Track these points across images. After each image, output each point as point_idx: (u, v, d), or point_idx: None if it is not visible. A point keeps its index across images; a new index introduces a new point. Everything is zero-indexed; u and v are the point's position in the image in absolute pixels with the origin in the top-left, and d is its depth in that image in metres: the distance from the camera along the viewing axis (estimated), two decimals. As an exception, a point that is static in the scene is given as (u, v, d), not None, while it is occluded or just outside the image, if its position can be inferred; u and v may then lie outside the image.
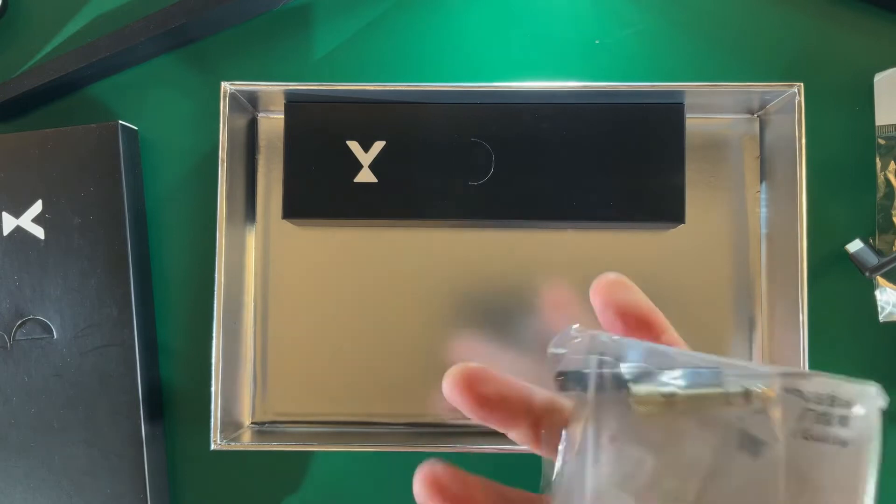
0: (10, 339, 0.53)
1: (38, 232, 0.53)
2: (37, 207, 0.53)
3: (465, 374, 0.26)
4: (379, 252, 0.54)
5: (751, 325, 0.53)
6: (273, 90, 0.51)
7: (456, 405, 0.26)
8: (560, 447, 0.25)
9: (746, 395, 0.24)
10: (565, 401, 0.27)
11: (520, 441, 0.27)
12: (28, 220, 0.53)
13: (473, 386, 0.26)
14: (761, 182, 0.54)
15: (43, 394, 0.53)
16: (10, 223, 0.53)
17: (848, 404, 0.23)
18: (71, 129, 0.53)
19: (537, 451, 0.27)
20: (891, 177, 0.53)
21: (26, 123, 0.58)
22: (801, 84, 0.49)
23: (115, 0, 0.57)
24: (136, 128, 0.56)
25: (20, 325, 0.53)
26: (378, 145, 0.51)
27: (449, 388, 0.26)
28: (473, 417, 0.27)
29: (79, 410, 0.52)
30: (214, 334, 0.50)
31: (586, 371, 0.25)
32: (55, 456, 0.52)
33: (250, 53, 0.56)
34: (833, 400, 0.23)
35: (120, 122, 0.54)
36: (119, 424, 0.52)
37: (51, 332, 0.53)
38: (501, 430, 0.27)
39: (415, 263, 0.54)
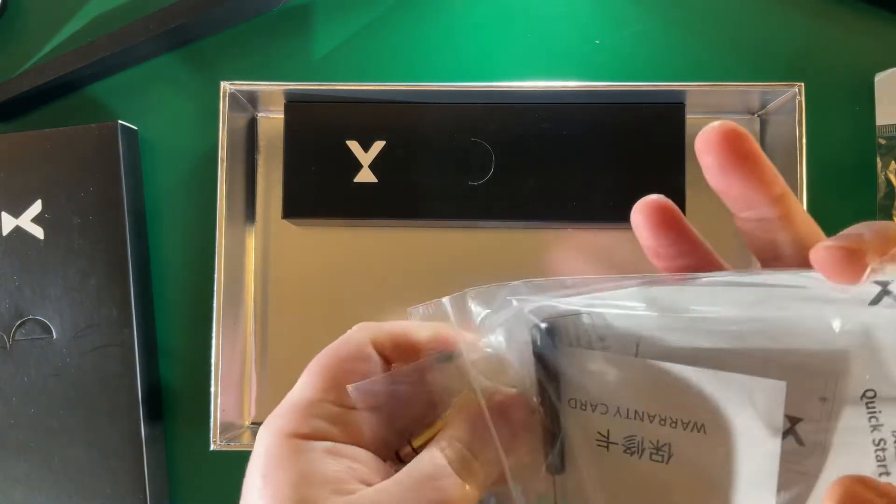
0: (9, 339, 0.53)
1: (38, 232, 0.53)
2: (36, 207, 0.53)
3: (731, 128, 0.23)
4: (379, 252, 0.54)
5: (751, 325, 0.53)
6: (273, 90, 0.51)
7: (716, 156, 0.24)
8: None
9: None
10: None
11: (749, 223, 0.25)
12: (28, 220, 0.53)
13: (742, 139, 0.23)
14: (761, 182, 0.54)
15: (43, 394, 0.53)
16: (9, 223, 0.53)
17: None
18: (71, 129, 0.53)
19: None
20: (891, 176, 0.53)
21: (26, 123, 0.58)
22: (802, 84, 0.49)
23: (115, 0, 0.57)
24: (135, 128, 0.56)
25: (20, 325, 0.53)
26: (378, 145, 0.51)
27: (716, 136, 0.23)
28: (727, 177, 0.24)
29: (79, 410, 0.52)
30: (214, 334, 0.50)
31: None
32: (55, 456, 0.52)
33: (250, 53, 0.56)
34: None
35: (120, 122, 0.53)
36: (119, 424, 0.52)
37: (50, 332, 0.53)
38: (741, 203, 0.24)
39: (414, 263, 0.54)
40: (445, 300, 0.27)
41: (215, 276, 0.51)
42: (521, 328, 0.25)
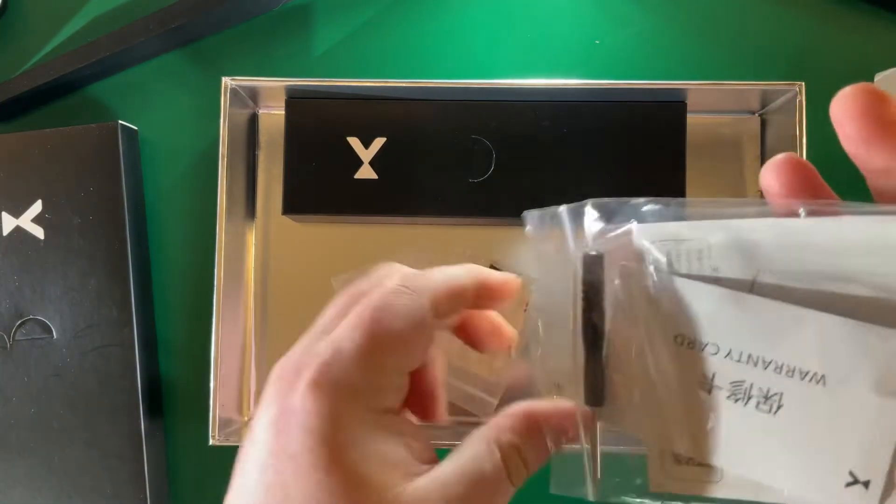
0: (10, 339, 0.53)
1: (38, 232, 0.53)
2: (36, 207, 0.53)
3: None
4: (379, 248, 0.54)
5: (752, 325, 0.53)
6: (274, 86, 0.51)
7: (857, 127, 0.22)
8: None
9: None
10: None
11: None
12: (28, 220, 0.53)
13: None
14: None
15: (43, 394, 0.52)
16: (9, 223, 0.53)
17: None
18: (71, 129, 0.53)
19: None
20: (891, 176, 0.53)
21: (26, 123, 0.58)
22: (803, 83, 0.49)
23: (115, 0, 0.57)
24: (135, 127, 0.56)
25: (20, 325, 0.53)
26: (378, 142, 0.51)
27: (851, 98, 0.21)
28: (869, 148, 0.22)
29: (79, 410, 0.52)
30: (213, 330, 0.50)
31: None
32: (55, 456, 0.52)
33: (250, 52, 0.56)
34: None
35: (120, 122, 0.54)
36: (118, 424, 0.52)
37: (50, 332, 0.53)
38: (885, 176, 0.22)
39: (415, 260, 0.54)
40: (562, 209, 0.25)
41: (215, 272, 0.51)
42: (627, 254, 0.24)
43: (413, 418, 0.29)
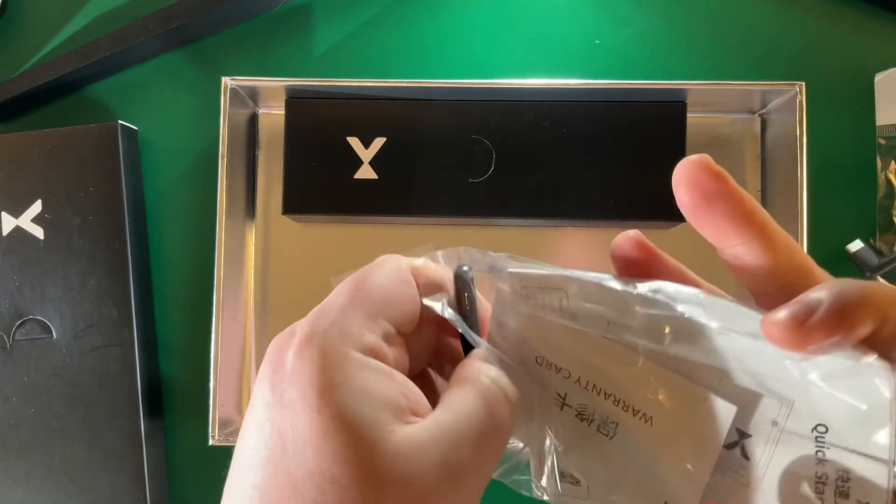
0: (9, 339, 0.53)
1: (38, 232, 0.53)
2: (36, 207, 0.53)
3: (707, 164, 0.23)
4: (379, 248, 0.53)
5: (752, 325, 0.53)
6: (274, 86, 0.51)
7: (690, 195, 0.24)
8: None
9: None
10: None
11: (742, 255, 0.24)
12: (28, 220, 0.53)
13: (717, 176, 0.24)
14: (762, 181, 0.54)
15: (43, 394, 0.52)
16: (9, 223, 0.53)
17: None
18: (71, 129, 0.53)
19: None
20: (891, 176, 0.53)
21: (26, 123, 0.58)
22: (803, 83, 0.49)
23: (115, 0, 0.57)
24: (136, 128, 0.56)
25: (20, 325, 0.53)
26: (378, 142, 0.51)
27: (695, 168, 0.23)
28: (700, 215, 0.24)
29: (79, 410, 0.52)
30: (213, 330, 0.50)
31: None
32: (55, 456, 0.52)
33: (250, 52, 0.56)
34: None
35: (120, 122, 0.53)
36: (118, 424, 0.52)
37: (50, 332, 0.53)
38: (719, 239, 0.24)
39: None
40: (440, 253, 0.28)
41: (215, 271, 0.51)
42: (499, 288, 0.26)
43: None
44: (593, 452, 0.25)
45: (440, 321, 0.28)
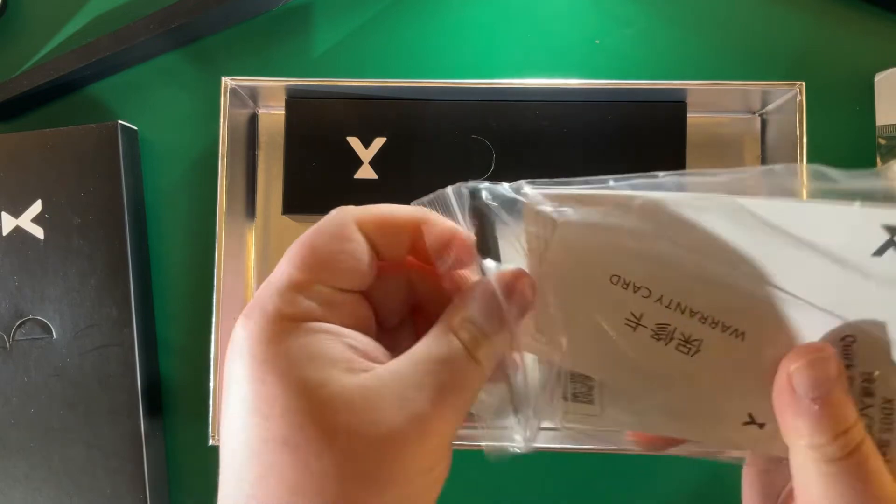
0: (9, 339, 0.53)
1: (38, 232, 0.53)
2: (36, 207, 0.53)
3: None
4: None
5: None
6: (274, 85, 0.51)
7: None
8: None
9: None
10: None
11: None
12: (27, 220, 0.53)
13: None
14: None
15: (43, 394, 0.52)
16: (9, 223, 0.53)
17: None
18: (71, 129, 0.53)
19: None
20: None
21: (26, 123, 0.58)
22: (803, 83, 0.49)
23: (115, 0, 0.57)
24: (136, 128, 0.56)
25: (20, 325, 0.53)
26: (378, 141, 0.51)
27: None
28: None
29: (79, 410, 0.52)
30: (213, 329, 0.50)
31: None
32: (55, 456, 0.52)
33: (250, 52, 0.56)
34: None
35: (120, 122, 0.53)
36: (118, 424, 0.52)
37: (50, 332, 0.53)
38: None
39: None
40: (448, 190, 0.27)
41: (215, 271, 0.51)
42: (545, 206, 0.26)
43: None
44: (663, 371, 0.25)
45: (417, 269, 0.28)
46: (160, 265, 0.56)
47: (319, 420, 0.22)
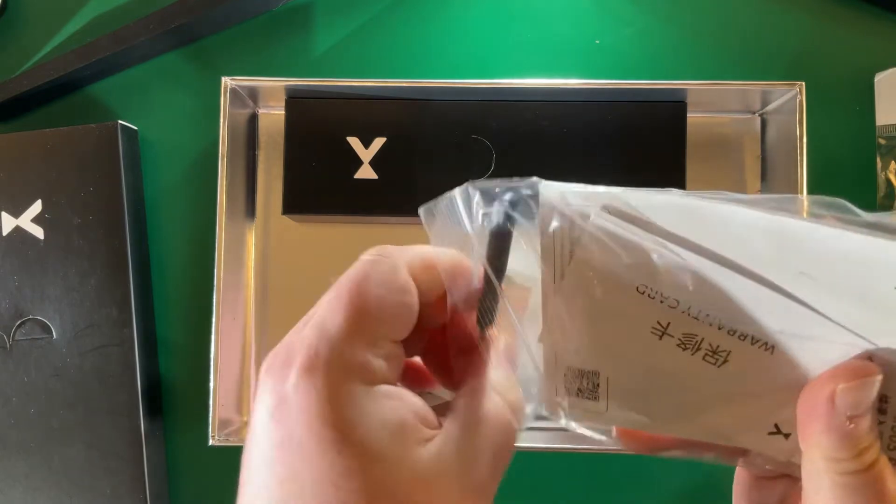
0: (9, 339, 0.53)
1: (38, 232, 0.53)
2: (36, 207, 0.53)
3: None
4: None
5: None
6: (274, 85, 0.51)
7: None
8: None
9: None
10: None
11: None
12: (27, 220, 0.53)
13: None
14: (762, 181, 0.54)
15: (43, 394, 0.52)
16: (9, 223, 0.53)
17: None
18: (71, 129, 0.53)
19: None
20: (891, 176, 0.53)
21: (26, 123, 0.58)
22: (803, 83, 0.49)
23: (115, 0, 0.57)
24: (136, 128, 0.56)
25: (20, 325, 0.53)
26: (378, 142, 0.51)
27: None
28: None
29: (79, 410, 0.52)
30: (213, 330, 0.50)
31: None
32: (55, 456, 0.52)
33: (251, 52, 0.56)
34: None
35: (120, 122, 0.53)
36: (118, 424, 0.52)
37: (50, 332, 0.53)
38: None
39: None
40: (454, 192, 0.27)
41: (215, 271, 0.51)
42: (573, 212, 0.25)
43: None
44: (688, 379, 0.25)
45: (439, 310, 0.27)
46: (160, 265, 0.56)
47: (394, 493, 0.22)
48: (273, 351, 0.25)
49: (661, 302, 0.25)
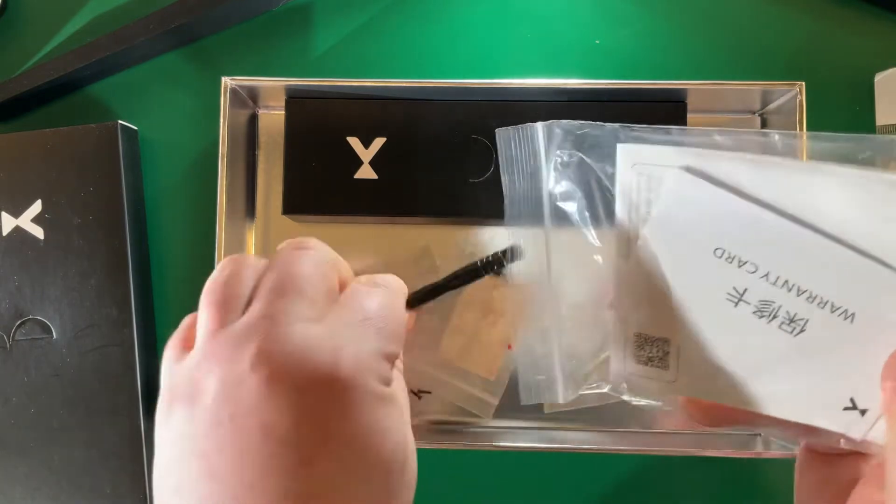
0: (9, 339, 0.53)
1: (38, 232, 0.53)
2: (36, 207, 0.53)
3: None
4: (379, 248, 0.54)
5: (752, 325, 0.53)
6: (274, 85, 0.51)
7: None
8: None
9: None
10: None
11: None
12: (27, 220, 0.53)
13: None
14: (762, 181, 0.54)
15: (43, 394, 0.52)
16: (9, 223, 0.53)
17: None
18: (71, 129, 0.53)
19: None
20: (891, 176, 0.53)
21: (26, 123, 0.58)
22: (803, 83, 0.49)
23: (115, 0, 0.57)
24: (135, 128, 0.56)
25: (20, 325, 0.53)
26: (378, 141, 0.51)
27: None
28: None
29: (78, 410, 0.52)
30: (214, 332, 0.50)
31: None
32: (55, 456, 0.52)
33: (251, 52, 0.56)
34: None
35: (120, 122, 0.53)
36: (118, 424, 0.52)
37: (50, 332, 0.53)
38: None
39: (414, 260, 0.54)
40: (537, 126, 0.27)
41: (215, 273, 0.51)
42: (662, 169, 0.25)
43: None
44: (762, 349, 0.25)
45: None
46: (160, 265, 0.56)
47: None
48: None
49: (740, 266, 0.24)
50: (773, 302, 0.24)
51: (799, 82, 0.49)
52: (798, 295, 0.24)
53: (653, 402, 0.27)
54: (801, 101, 0.49)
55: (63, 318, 0.53)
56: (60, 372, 0.52)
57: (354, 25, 0.56)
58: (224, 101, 0.51)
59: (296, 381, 0.25)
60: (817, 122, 0.53)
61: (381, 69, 0.56)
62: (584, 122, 0.26)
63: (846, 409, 0.24)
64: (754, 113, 0.54)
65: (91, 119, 0.56)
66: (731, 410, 0.27)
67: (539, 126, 0.27)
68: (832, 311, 0.23)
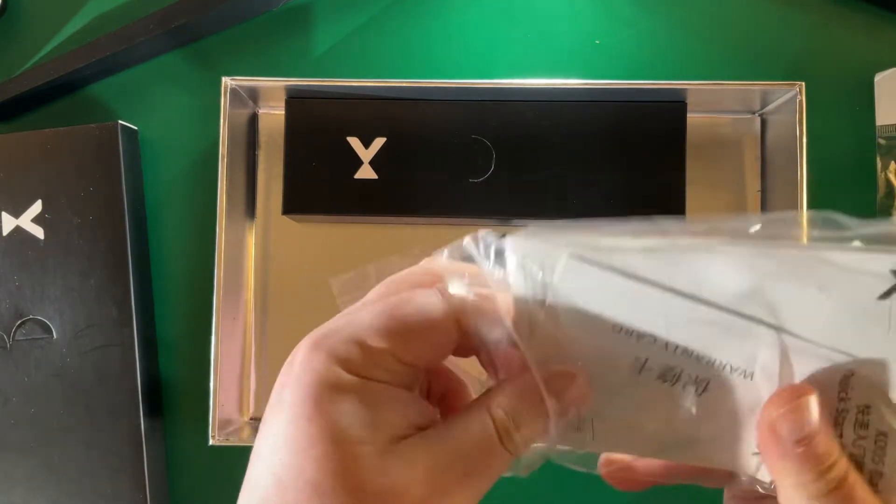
0: (9, 339, 0.53)
1: (38, 232, 0.53)
2: (36, 207, 0.53)
3: None
4: (379, 248, 0.54)
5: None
6: (274, 85, 0.51)
7: None
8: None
9: None
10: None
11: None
12: (28, 220, 0.53)
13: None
14: (761, 181, 0.54)
15: (43, 394, 0.52)
16: (9, 223, 0.53)
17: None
18: (71, 129, 0.53)
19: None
20: (891, 177, 0.53)
21: (26, 123, 0.58)
22: (803, 83, 0.49)
23: (115, 0, 0.57)
24: (136, 128, 0.56)
25: (20, 325, 0.53)
26: (379, 141, 0.51)
27: None
28: None
29: (79, 410, 0.52)
30: (213, 330, 0.50)
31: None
32: (55, 456, 0.52)
33: (250, 52, 0.56)
34: None
35: (120, 122, 0.54)
36: (118, 424, 0.52)
37: (50, 332, 0.53)
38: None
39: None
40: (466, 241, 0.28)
41: (215, 272, 0.51)
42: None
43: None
44: (670, 409, 0.26)
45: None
46: (160, 265, 0.56)
47: (351, 474, 0.23)
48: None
49: (638, 341, 0.25)
50: (675, 367, 0.25)
51: (799, 82, 0.49)
52: (698, 360, 0.25)
53: (580, 467, 0.29)
54: (800, 101, 0.49)
55: (63, 318, 0.53)
56: (60, 372, 0.52)
57: (354, 25, 0.56)
58: (224, 101, 0.51)
59: None
60: (817, 122, 0.53)
61: (381, 69, 0.56)
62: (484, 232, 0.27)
63: (754, 454, 0.25)
64: (754, 113, 0.54)
65: (91, 119, 0.56)
66: (649, 471, 0.29)
67: (468, 241, 0.28)
68: (731, 372, 0.25)
